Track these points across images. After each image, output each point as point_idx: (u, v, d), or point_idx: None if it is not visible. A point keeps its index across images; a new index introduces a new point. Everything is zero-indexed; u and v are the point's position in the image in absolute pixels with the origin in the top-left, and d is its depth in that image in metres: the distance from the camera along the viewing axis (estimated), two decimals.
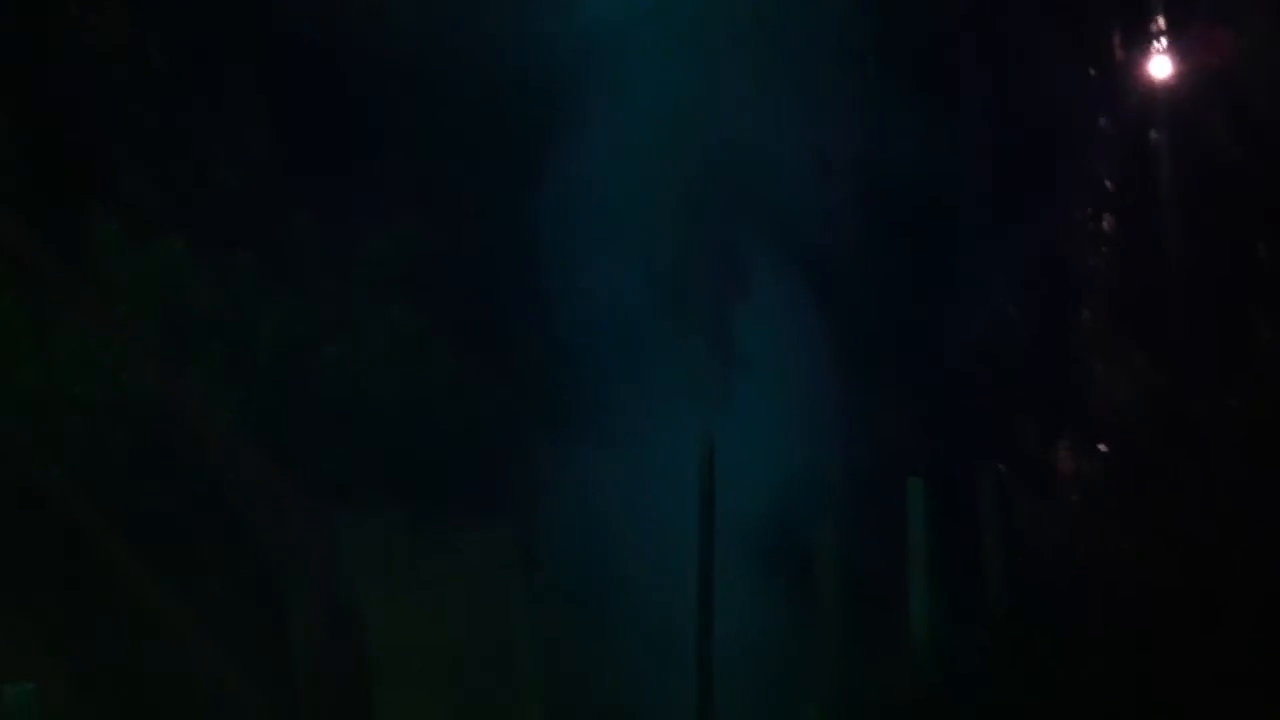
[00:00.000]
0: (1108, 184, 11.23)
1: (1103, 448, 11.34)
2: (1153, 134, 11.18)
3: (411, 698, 10.47)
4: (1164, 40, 11.11)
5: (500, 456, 10.89)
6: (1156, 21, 11.14)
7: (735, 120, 11.09)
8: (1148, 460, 11.03)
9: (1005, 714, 10.49)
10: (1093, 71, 11.28)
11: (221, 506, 10.31)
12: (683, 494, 11.00)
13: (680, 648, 10.81)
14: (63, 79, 10.26)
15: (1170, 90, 11.12)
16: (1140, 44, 11.18)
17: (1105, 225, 11.29)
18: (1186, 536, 10.77)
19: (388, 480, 10.53)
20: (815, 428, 11.42)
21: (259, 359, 10.41)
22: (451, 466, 10.79)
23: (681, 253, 11.30)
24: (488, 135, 11.14)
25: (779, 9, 11.06)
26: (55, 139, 10.35)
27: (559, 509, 10.88)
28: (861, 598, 11.28)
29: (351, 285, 10.62)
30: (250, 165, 10.43)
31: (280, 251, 10.47)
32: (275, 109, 10.53)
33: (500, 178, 11.12)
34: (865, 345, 11.41)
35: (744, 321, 11.52)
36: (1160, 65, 11.13)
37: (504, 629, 10.73)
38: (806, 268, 11.39)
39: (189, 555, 10.14)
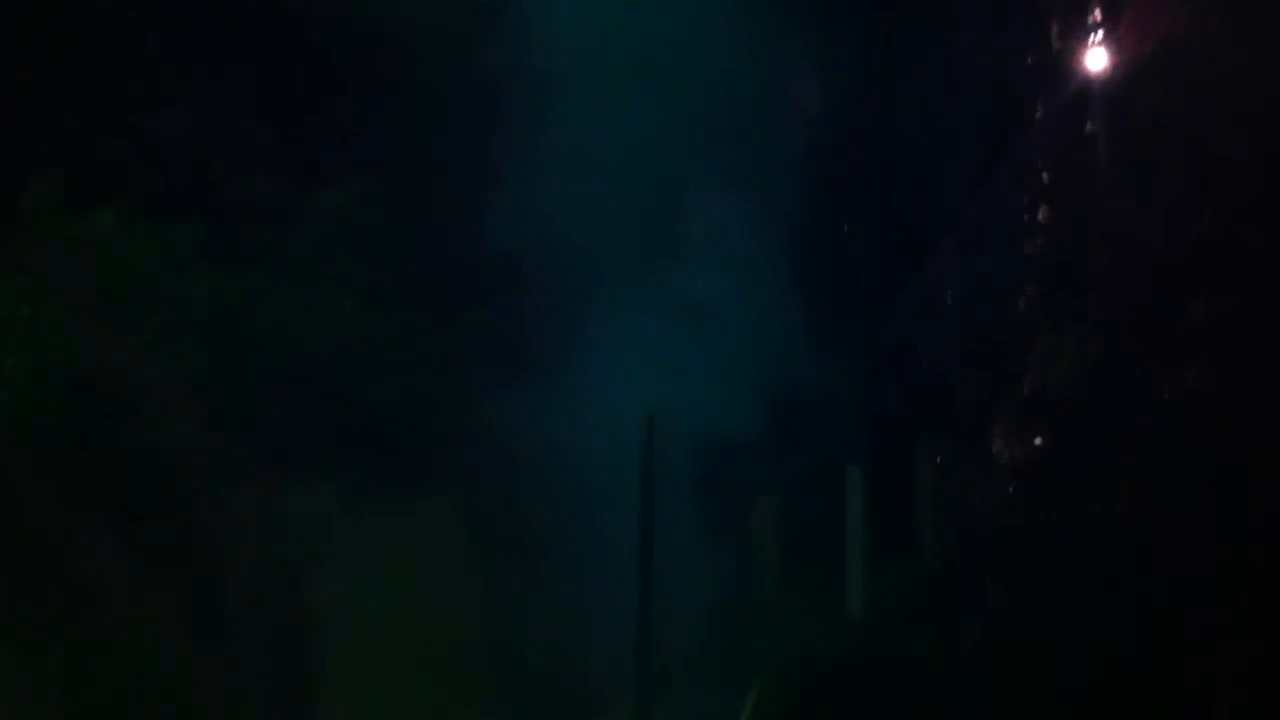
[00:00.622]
0: (1044, 170, 11.30)
1: (1038, 436, 11.34)
2: (1089, 120, 11.23)
3: (356, 661, 10.55)
4: (1100, 29, 11.19)
5: (445, 420, 10.95)
6: (1094, 11, 11.22)
7: (686, 96, 11.19)
8: (1083, 442, 11.03)
9: (939, 688, 10.52)
10: (1030, 59, 11.36)
11: (164, 475, 10.40)
12: (626, 471, 11.10)
13: (623, 622, 10.89)
14: None
15: (1106, 77, 11.20)
16: (1077, 32, 11.26)
17: (1042, 212, 11.35)
18: (1122, 516, 10.79)
19: (332, 445, 10.63)
20: (760, 410, 11.50)
21: (200, 325, 10.52)
22: (396, 430, 10.87)
23: (628, 233, 11.35)
24: (432, 88, 11.20)
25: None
26: None
27: (506, 476, 10.95)
28: (802, 577, 11.31)
29: (294, 250, 10.68)
30: (189, 129, 10.48)
31: (220, 216, 10.52)
32: (216, 74, 10.59)
33: (446, 137, 11.18)
34: (811, 330, 11.45)
35: (690, 304, 11.58)
36: (1097, 54, 11.21)
37: (446, 597, 10.79)
38: (751, 255, 11.44)
39: (131, 522, 10.26)
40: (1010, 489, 11.16)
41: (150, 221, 10.50)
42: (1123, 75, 11.05)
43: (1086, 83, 11.14)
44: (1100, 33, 11.12)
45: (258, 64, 10.81)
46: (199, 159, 10.68)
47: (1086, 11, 11.15)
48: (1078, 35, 11.20)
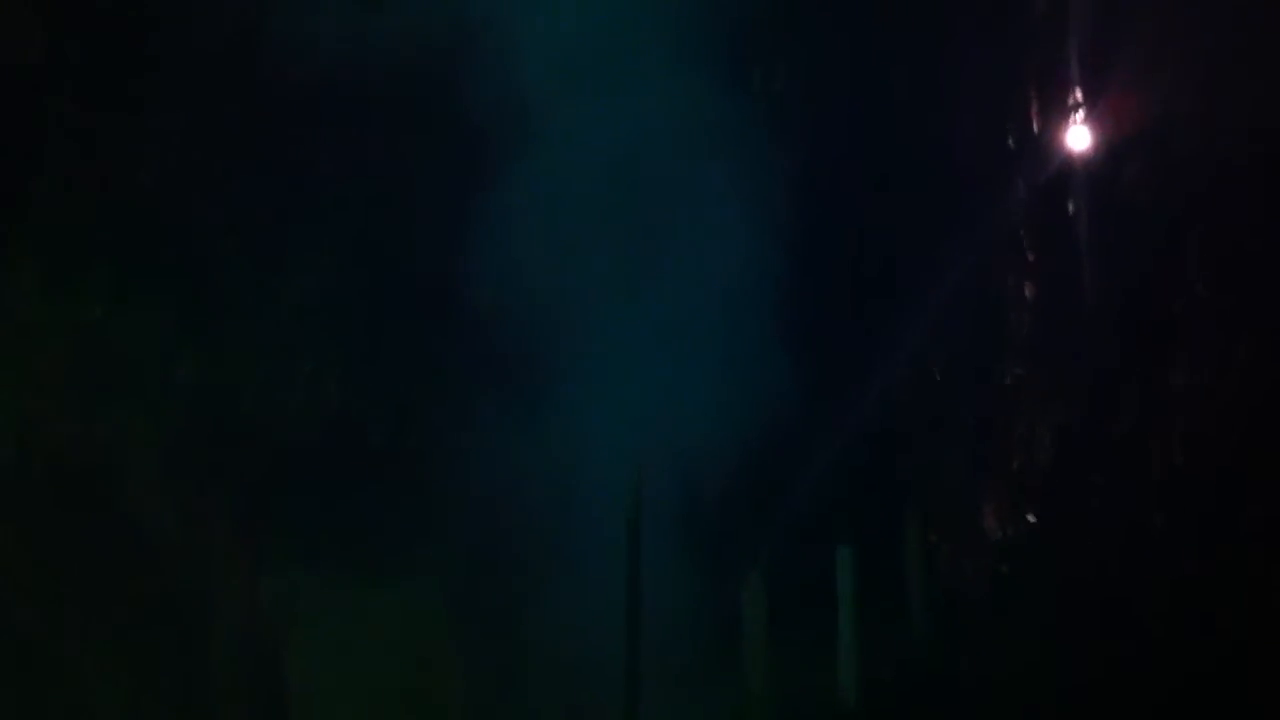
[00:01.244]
0: (1027, 243, 11.44)
1: (1028, 513, 11.41)
2: (1071, 199, 11.40)
3: None
4: (1082, 105, 11.39)
5: (425, 496, 10.84)
6: (1074, 89, 11.43)
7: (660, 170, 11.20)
8: (1074, 519, 11.12)
9: None
10: (1012, 132, 11.52)
11: (147, 560, 10.29)
12: (610, 553, 11.02)
13: (608, 693, 10.79)
14: None
15: (1088, 156, 11.41)
16: (1059, 107, 11.45)
17: (1027, 287, 11.49)
18: (1114, 594, 10.86)
19: (314, 527, 10.52)
20: (747, 490, 11.47)
21: (183, 410, 10.39)
22: (376, 505, 10.76)
23: (610, 301, 11.29)
24: (413, 156, 11.13)
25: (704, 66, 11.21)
26: None
27: (488, 555, 10.86)
28: (792, 657, 11.24)
29: (273, 325, 10.60)
30: (170, 206, 10.41)
31: (203, 300, 10.44)
32: (197, 151, 10.51)
33: (427, 206, 11.11)
34: (799, 408, 11.42)
35: (674, 382, 11.50)
36: (1079, 128, 11.41)
37: (427, 676, 10.66)
38: (738, 329, 11.43)
39: (113, 607, 10.11)
40: (1003, 567, 11.22)
41: (133, 307, 10.38)
42: (1104, 155, 11.26)
43: (1069, 162, 11.34)
44: (1081, 113, 11.33)
45: (238, 144, 10.70)
46: (182, 243, 10.55)
47: (1067, 91, 11.36)
48: (1058, 115, 11.40)
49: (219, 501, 10.40)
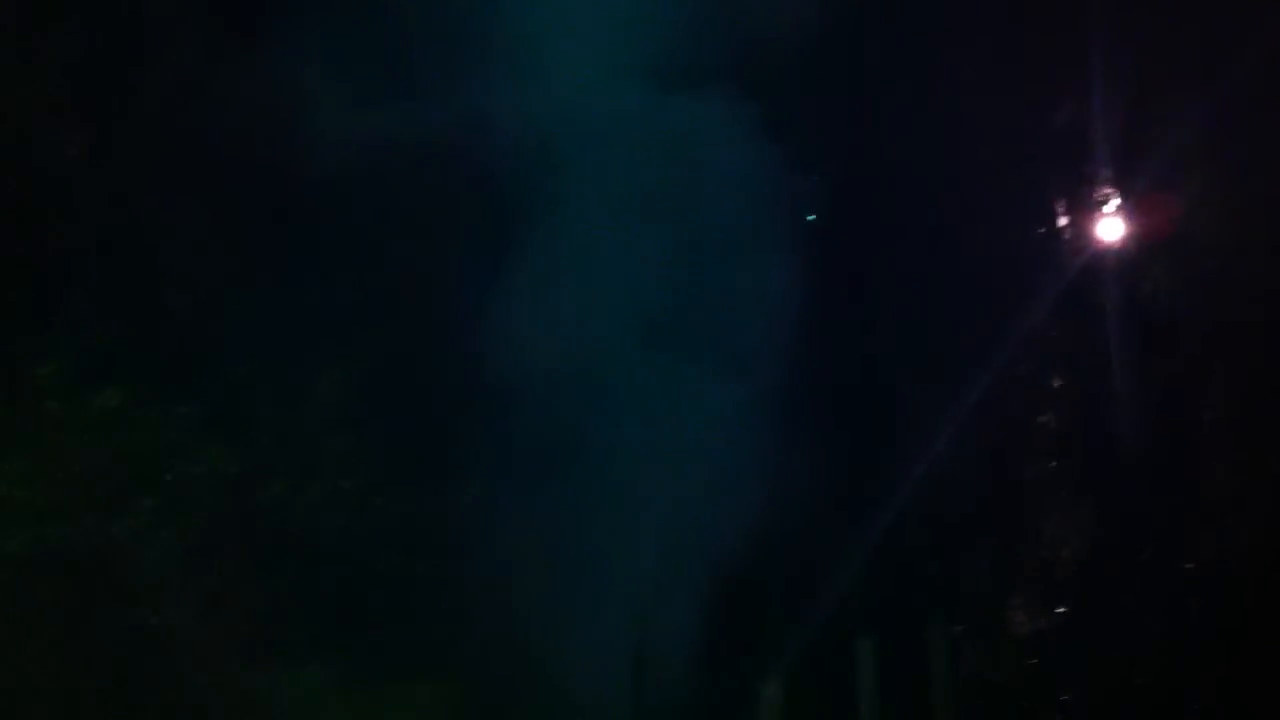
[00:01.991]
0: (1054, 338, 11.43)
1: (1054, 608, 11.35)
2: (1098, 291, 11.41)
3: None
4: (1110, 203, 11.39)
5: (440, 601, 10.78)
6: (1103, 187, 11.43)
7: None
8: (1101, 614, 11.06)
9: None
10: (1040, 232, 11.52)
11: (158, 656, 10.22)
12: (621, 654, 10.99)
13: None
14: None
15: (1116, 251, 11.41)
16: (1087, 207, 11.46)
17: (1053, 380, 11.46)
18: (1143, 687, 10.80)
19: (328, 626, 10.46)
20: (765, 584, 11.41)
21: (200, 504, 10.35)
22: (392, 612, 10.71)
23: (632, 409, 11.25)
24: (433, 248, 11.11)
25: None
26: None
27: (499, 659, 10.79)
28: None
29: (294, 430, 10.55)
30: (189, 301, 10.40)
31: (222, 395, 10.41)
32: (217, 247, 10.52)
33: (439, 303, 11.08)
34: (818, 501, 11.37)
35: (688, 485, 11.43)
36: (1108, 225, 11.41)
37: None
38: (754, 424, 11.37)
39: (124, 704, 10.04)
40: (1030, 662, 11.16)
41: (153, 401, 10.35)
42: (1132, 250, 11.27)
43: (1095, 262, 11.35)
44: (1109, 211, 11.34)
45: (262, 244, 10.71)
46: (202, 338, 10.55)
47: (1093, 187, 11.36)
48: (1087, 214, 11.42)
49: (239, 597, 10.35)
